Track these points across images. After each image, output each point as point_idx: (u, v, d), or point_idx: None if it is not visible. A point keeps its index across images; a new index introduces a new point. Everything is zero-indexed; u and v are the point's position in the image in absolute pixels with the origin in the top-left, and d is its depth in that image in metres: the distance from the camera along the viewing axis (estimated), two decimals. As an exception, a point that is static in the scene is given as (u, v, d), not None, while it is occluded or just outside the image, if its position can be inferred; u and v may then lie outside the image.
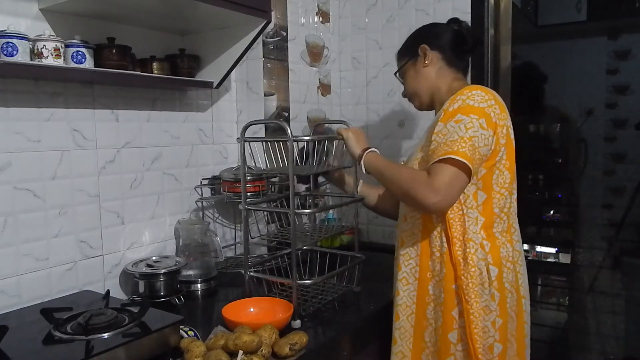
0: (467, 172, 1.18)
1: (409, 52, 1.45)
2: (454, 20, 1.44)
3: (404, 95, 1.51)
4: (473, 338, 1.22)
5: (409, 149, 2.18)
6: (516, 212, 1.36)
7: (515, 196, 1.34)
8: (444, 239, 1.27)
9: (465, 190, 1.24)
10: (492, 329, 1.25)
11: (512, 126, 1.30)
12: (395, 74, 1.51)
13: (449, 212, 1.25)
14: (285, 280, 1.43)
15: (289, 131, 1.31)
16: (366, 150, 1.39)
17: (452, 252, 1.25)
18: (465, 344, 1.24)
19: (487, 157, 1.23)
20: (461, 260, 1.25)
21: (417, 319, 1.34)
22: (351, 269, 1.56)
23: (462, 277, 1.24)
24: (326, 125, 2.23)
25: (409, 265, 1.36)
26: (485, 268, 1.25)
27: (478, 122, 1.19)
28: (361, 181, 1.62)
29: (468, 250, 1.24)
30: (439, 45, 1.40)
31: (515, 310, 1.30)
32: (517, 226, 1.36)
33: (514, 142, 1.30)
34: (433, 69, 1.40)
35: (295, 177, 1.49)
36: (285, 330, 1.22)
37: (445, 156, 1.17)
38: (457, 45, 1.41)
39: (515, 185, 1.33)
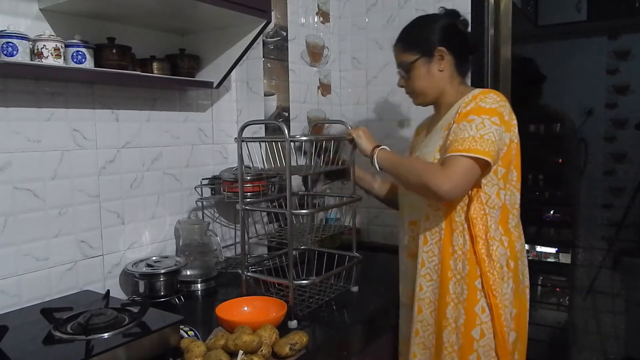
0: (481, 164, 1.24)
1: (421, 48, 1.40)
2: (454, 14, 1.44)
3: (401, 86, 1.48)
4: (503, 330, 1.29)
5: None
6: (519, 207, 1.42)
7: (519, 193, 1.39)
8: (467, 237, 1.31)
9: (487, 190, 1.31)
10: (509, 320, 1.32)
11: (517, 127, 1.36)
12: (399, 67, 1.46)
13: (472, 212, 1.30)
14: (281, 280, 1.43)
15: (286, 131, 1.31)
16: (377, 147, 1.44)
17: (477, 250, 1.29)
18: (488, 339, 1.29)
19: (503, 154, 1.30)
20: (485, 258, 1.29)
21: (438, 317, 1.37)
22: (348, 269, 1.56)
23: (489, 274, 1.29)
24: (326, 125, 2.23)
25: (432, 262, 1.39)
26: (506, 262, 1.32)
27: (489, 120, 1.25)
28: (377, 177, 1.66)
29: (491, 247, 1.30)
30: (453, 49, 1.40)
31: (522, 299, 1.37)
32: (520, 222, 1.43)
33: (519, 145, 1.36)
34: (446, 73, 1.40)
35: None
36: (280, 329, 1.22)
37: (457, 153, 1.24)
38: (466, 50, 1.45)
39: (520, 184, 1.38)
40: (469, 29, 1.47)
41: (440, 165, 1.27)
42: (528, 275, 1.43)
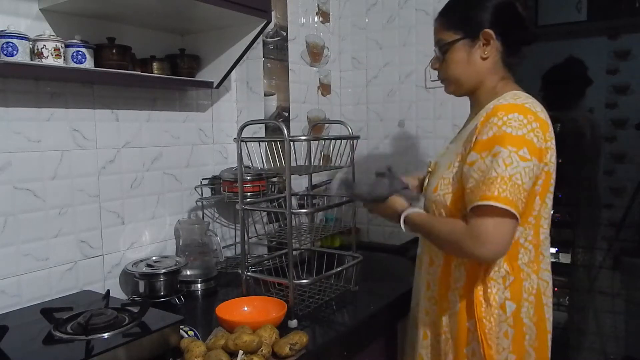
0: (512, 215, 1.05)
1: (465, 27, 1.18)
2: None
3: (435, 68, 1.27)
4: None
5: (409, 148, 2.18)
6: (547, 236, 1.21)
7: (547, 221, 1.18)
8: (464, 272, 1.17)
9: None
10: None
11: (553, 146, 1.15)
12: (437, 46, 1.24)
13: None
14: (281, 280, 1.43)
15: (285, 131, 1.31)
16: (401, 213, 1.24)
17: (475, 292, 1.14)
18: None
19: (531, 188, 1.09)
20: (483, 302, 1.14)
21: (432, 349, 1.27)
22: (348, 269, 1.56)
23: (484, 320, 1.13)
24: (326, 125, 2.23)
25: (434, 287, 1.27)
26: (501, 304, 1.14)
27: (517, 154, 1.04)
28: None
29: (489, 290, 1.13)
30: (504, 35, 1.17)
31: (535, 345, 1.17)
32: (547, 253, 1.21)
33: (554, 165, 1.16)
34: (489, 63, 1.18)
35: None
36: (280, 329, 1.22)
37: (485, 202, 1.04)
38: (519, 38, 1.20)
39: (547, 211, 1.17)
40: (529, 12, 1.22)
41: (465, 226, 1.08)
42: (550, 318, 1.21)
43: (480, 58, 1.18)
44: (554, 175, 1.16)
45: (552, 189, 1.17)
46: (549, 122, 1.14)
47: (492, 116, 1.08)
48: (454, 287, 1.20)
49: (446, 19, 1.22)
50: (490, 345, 1.13)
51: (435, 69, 1.27)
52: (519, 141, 1.05)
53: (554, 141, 1.14)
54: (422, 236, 1.26)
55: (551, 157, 1.13)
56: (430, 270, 1.28)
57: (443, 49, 1.21)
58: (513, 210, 1.04)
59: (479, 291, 1.14)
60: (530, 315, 1.16)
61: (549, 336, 1.20)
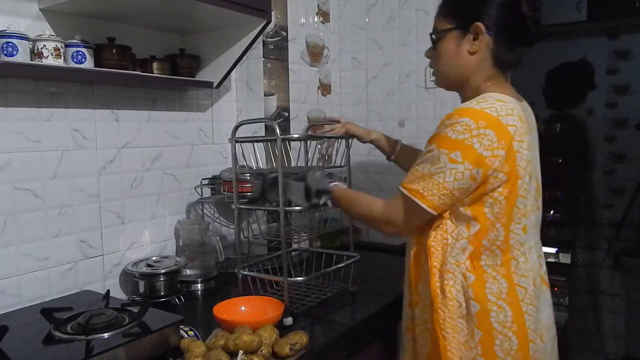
0: (420, 207, 1.09)
1: (459, 17, 1.15)
2: None
3: (427, 57, 1.26)
4: None
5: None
6: (524, 242, 1.15)
7: (521, 226, 1.13)
8: (427, 266, 1.15)
9: (454, 220, 1.12)
10: None
11: (524, 150, 1.08)
12: (431, 34, 1.22)
13: (431, 240, 1.13)
14: (276, 278, 1.43)
15: (277, 130, 1.32)
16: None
17: (431, 282, 1.13)
18: None
19: (472, 190, 1.08)
20: (439, 293, 1.12)
21: (414, 342, 1.25)
22: (346, 268, 1.56)
23: (440, 311, 1.11)
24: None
25: (410, 279, 1.25)
26: (464, 301, 1.11)
27: (448, 156, 1.05)
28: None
29: (446, 282, 1.11)
30: (497, 31, 1.11)
31: (514, 355, 1.11)
32: (526, 258, 1.15)
33: (526, 170, 1.09)
34: (476, 59, 1.14)
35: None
36: (279, 329, 1.22)
37: (402, 189, 1.12)
38: (516, 37, 1.13)
39: (520, 216, 1.12)
40: (536, 14, 1.13)
41: (382, 206, 1.18)
42: (537, 327, 1.14)
43: (468, 52, 1.14)
44: (526, 179, 1.10)
45: (527, 194, 1.11)
46: (518, 126, 1.07)
47: (447, 118, 1.08)
48: (423, 279, 1.19)
49: (445, 8, 1.20)
50: (445, 336, 1.11)
51: (427, 57, 1.26)
52: (454, 144, 1.05)
53: (525, 144, 1.08)
54: (344, 210, 1.35)
55: (519, 161, 1.07)
56: (408, 263, 1.27)
57: (435, 37, 1.20)
58: (420, 203, 1.09)
59: (435, 282, 1.13)
60: (500, 320, 1.10)
61: (532, 346, 1.12)
